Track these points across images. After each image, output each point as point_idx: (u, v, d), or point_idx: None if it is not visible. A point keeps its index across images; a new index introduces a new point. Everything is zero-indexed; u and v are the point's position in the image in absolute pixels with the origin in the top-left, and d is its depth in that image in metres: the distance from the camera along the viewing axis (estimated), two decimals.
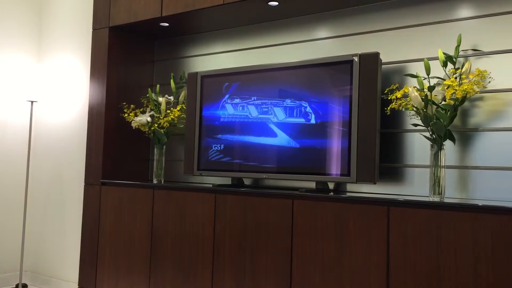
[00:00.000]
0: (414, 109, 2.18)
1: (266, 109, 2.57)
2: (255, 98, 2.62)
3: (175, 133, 3.25)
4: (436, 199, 2.05)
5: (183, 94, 3.09)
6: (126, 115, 3.14)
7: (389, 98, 2.30)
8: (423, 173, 2.32)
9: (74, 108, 3.77)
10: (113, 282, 2.97)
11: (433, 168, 2.11)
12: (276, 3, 2.61)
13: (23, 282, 3.91)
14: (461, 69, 2.15)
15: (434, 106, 2.15)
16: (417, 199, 2.02)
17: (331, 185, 2.57)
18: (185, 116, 2.95)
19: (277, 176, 2.50)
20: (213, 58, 3.15)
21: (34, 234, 3.97)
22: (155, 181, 3.02)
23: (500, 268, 1.75)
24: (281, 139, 2.50)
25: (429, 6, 2.37)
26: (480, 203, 1.85)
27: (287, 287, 2.26)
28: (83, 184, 3.58)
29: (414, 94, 2.14)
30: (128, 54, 3.30)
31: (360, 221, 2.07)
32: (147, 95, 3.33)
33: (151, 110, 3.12)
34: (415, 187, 2.34)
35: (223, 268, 2.48)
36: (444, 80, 2.15)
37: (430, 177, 2.12)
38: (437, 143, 2.12)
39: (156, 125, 3.02)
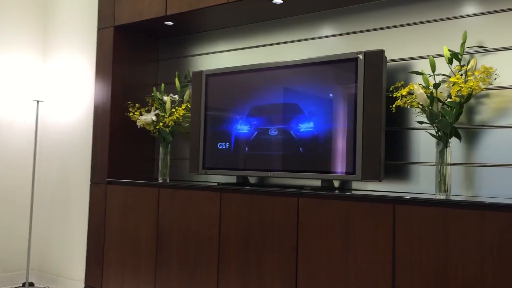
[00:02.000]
0: (420, 106, 2.17)
1: (271, 108, 2.57)
2: (260, 96, 2.62)
3: (180, 132, 3.25)
4: (442, 196, 2.05)
5: (188, 93, 3.10)
6: (131, 114, 3.15)
7: (394, 95, 2.30)
8: (429, 170, 2.32)
9: (79, 107, 3.78)
10: (119, 280, 2.98)
11: (439, 166, 2.11)
12: (280, 1, 2.61)
13: (29, 280, 3.93)
14: (467, 66, 2.15)
15: (440, 104, 2.14)
16: (423, 196, 2.01)
17: (336, 183, 2.57)
18: (190, 115, 2.95)
19: (282, 174, 2.50)
20: (218, 57, 3.15)
21: (40, 233, 3.99)
22: (160, 180, 3.03)
23: (507, 266, 1.74)
24: (287, 137, 2.50)
25: (434, 3, 2.36)
26: (486, 200, 1.85)
27: (292, 285, 2.26)
28: (89, 183, 3.60)
29: (420, 91, 2.13)
30: (133, 53, 3.31)
31: (366, 219, 2.07)
32: (152, 94, 3.34)
33: (156, 109, 3.12)
34: (421, 184, 2.34)
35: (228, 266, 2.48)
36: (450, 77, 2.15)
37: (436, 175, 2.12)
38: (442, 141, 2.12)
39: (161, 124, 3.03)
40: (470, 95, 2.08)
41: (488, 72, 2.08)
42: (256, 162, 2.60)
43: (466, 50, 2.24)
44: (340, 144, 2.32)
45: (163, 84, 3.16)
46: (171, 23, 3.09)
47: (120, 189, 3.02)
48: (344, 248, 2.12)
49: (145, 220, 2.88)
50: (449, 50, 2.17)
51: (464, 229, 1.83)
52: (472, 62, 2.13)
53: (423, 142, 2.34)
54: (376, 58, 2.24)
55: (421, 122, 2.23)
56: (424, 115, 2.21)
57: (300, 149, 2.45)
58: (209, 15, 2.88)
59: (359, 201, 2.10)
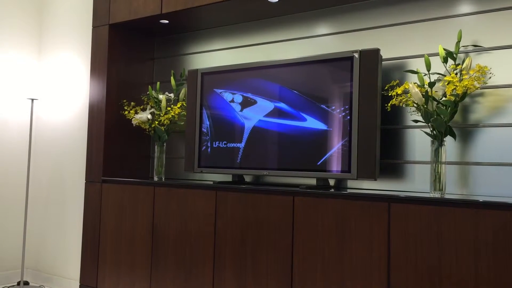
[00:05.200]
0: (415, 105, 2.18)
1: (266, 106, 2.57)
2: (256, 95, 2.62)
3: (176, 130, 3.25)
4: (436, 195, 2.06)
5: (183, 91, 3.09)
6: (126, 112, 3.15)
7: (389, 94, 2.30)
8: (424, 169, 2.32)
9: (74, 105, 3.77)
10: (115, 279, 2.97)
11: (434, 164, 2.11)
12: (276, 0, 2.60)
13: (24, 279, 3.92)
14: (462, 65, 2.15)
15: (435, 102, 2.15)
16: (418, 195, 2.02)
17: (331, 182, 2.57)
18: (185, 113, 2.95)
19: (278, 173, 2.50)
20: (213, 55, 3.15)
21: (35, 231, 3.97)
22: (155, 179, 3.02)
23: (501, 265, 1.75)
24: (282, 136, 2.50)
25: (430, 2, 2.37)
26: (481, 199, 1.85)
27: (288, 284, 2.26)
28: (84, 181, 3.59)
29: (415, 90, 2.14)
30: (128, 52, 3.30)
31: (361, 218, 2.07)
32: (147, 93, 3.33)
33: (152, 107, 3.12)
34: (416, 183, 2.34)
35: (224, 265, 2.48)
36: (445, 76, 2.15)
37: (431, 173, 2.12)
38: (437, 139, 2.12)
39: (156, 122, 3.02)
40: (465, 94, 2.08)
41: (483, 71, 2.08)
42: (252, 160, 2.60)
43: (461, 49, 2.25)
44: (335, 143, 2.33)
45: (158, 83, 3.15)
46: (167, 22, 3.08)
47: (115, 188, 3.02)
48: (339, 246, 2.12)
49: (140, 218, 2.87)
50: (444, 49, 2.17)
51: (458, 228, 1.84)
52: (467, 61, 2.14)
53: (418, 140, 2.35)
54: (371, 56, 2.25)
55: (416, 121, 2.24)
56: (419, 114, 2.22)
57: (296, 147, 2.45)
58: (205, 13, 2.88)
59: (354, 199, 2.10)
